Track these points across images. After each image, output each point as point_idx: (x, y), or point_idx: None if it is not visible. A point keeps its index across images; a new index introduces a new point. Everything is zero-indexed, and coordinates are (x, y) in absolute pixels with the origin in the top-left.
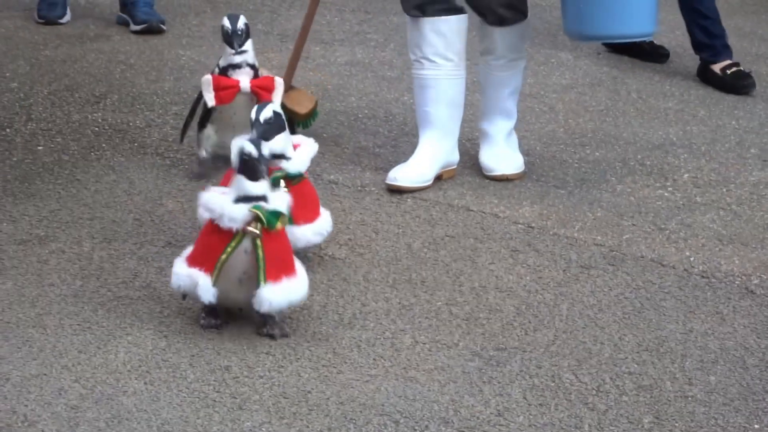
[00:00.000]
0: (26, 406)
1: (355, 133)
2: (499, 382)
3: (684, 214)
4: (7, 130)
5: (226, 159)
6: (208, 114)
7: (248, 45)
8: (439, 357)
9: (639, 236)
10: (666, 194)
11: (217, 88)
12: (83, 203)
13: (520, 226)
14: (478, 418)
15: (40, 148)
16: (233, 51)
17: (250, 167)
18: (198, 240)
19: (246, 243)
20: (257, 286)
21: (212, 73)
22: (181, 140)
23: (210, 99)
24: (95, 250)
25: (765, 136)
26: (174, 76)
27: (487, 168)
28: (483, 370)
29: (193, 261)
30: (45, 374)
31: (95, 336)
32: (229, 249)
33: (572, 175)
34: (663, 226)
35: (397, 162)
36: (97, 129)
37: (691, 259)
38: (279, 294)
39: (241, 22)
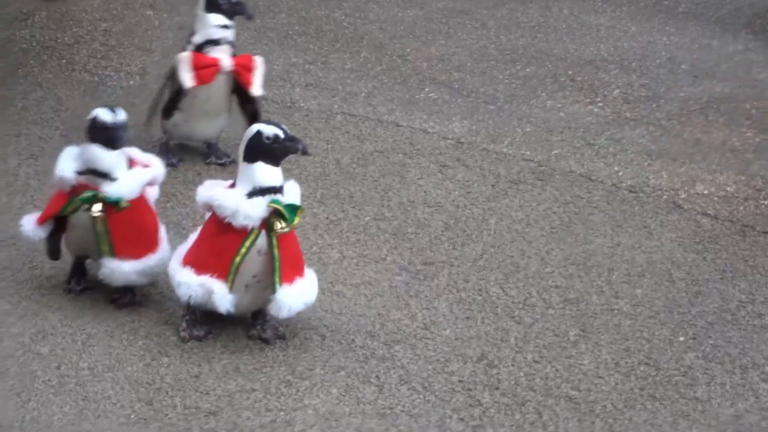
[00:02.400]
0: None
1: (285, 50)
2: (426, 296)
3: (613, 130)
4: None
5: (192, 149)
6: (177, 98)
7: (232, 22)
8: (366, 271)
9: (568, 151)
10: (596, 110)
11: (195, 67)
12: (10, 120)
13: (449, 141)
14: (404, 331)
15: None
16: (219, 24)
17: (279, 150)
18: (200, 242)
19: (260, 243)
20: (273, 290)
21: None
22: (149, 123)
23: (188, 79)
24: (21, 167)
25: (696, 52)
26: None
27: None
28: (410, 284)
29: (200, 267)
30: None
31: (20, 252)
32: (243, 250)
33: (502, 91)
34: (592, 141)
35: (327, 79)
36: (24, 46)
37: (620, 173)
38: (296, 296)
39: None
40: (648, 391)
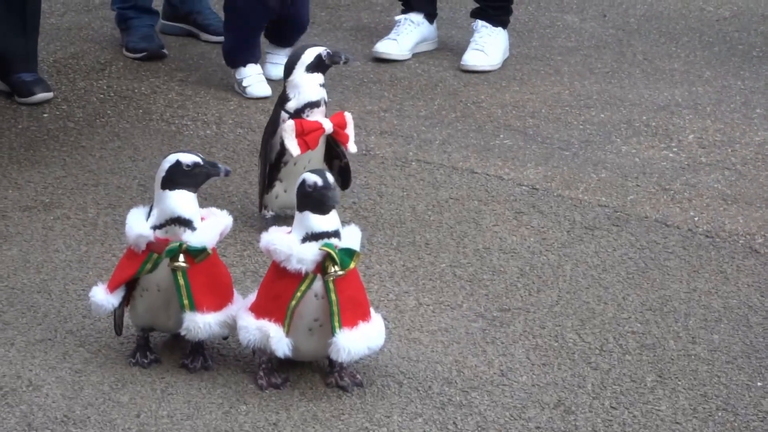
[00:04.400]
0: (31, 370)
1: (360, 98)
2: (502, 343)
3: (688, 175)
4: (14, 97)
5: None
6: (276, 170)
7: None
8: (443, 318)
9: (643, 197)
10: (671, 155)
11: (301, 133)
12: (88, 170)
13: (524, 187)
14: (481, 378)
15: (45, 115)
16: (321, 83)
17: (316, 200)
18: (262, 287)
19: (317, 286)
20: (332, 333)
21: (276, 122)
22: (261, 210)
23: (294, 147)
24: (100, 216)
25: None
26: (179, 42)
27: None
28: (486, 331)
29: (259, 311)
30: (50, 339)
31: None
32: (298, 294)
33: (577, 137)
34: (667, 187)
35: (402, 126)
36: (102, 96)
37: (695, 219)
38: (357, 340)
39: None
40: None
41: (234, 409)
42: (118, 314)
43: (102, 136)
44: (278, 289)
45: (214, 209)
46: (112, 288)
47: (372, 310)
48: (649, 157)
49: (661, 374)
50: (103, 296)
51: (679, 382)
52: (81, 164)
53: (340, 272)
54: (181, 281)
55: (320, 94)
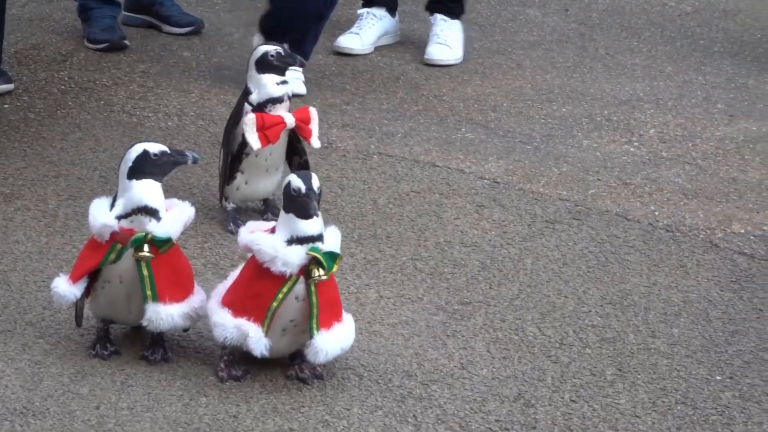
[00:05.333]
0: None
1: (322, 90)
2: (462, 336)
3: (649, 169)
4: None
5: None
6: (237, 162)
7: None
8: (404, 311)
9: (604, 191)
10: (632, 149)
11: (262, 127)
12: (49, 161)
13: (485, 181)
14: (441, 371)
15: (6, 106)
16: (278, 81)
17: (300, 204)
18: (239, 284)
19: (298, 289)
20: (310, 335)
21: (240, 114)
22: (221, 201)
23: (255, 141)
24: (60, 208)
25: (731, 92)
26: (141, 34)
27: None
28: (447, 324)
29: (236, 309)
30: (9, 330)
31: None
32: (280, 296)
33: (538, 131)
34: (628, 181)
35: (363, 119)
36: (63, 87)
37: (656, 213)
38: (333, 342)
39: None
40: (685, 430)
41: (194, 401)
42: (79, 306)
43: (63, 128)
44: (258, 289)
45: (175, 200)
46: (74, 279)
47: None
48: (610, 152)
49: (621, 368)
50: (66, 287)
51: (639, 376)
52: (42, 155)
53: (324, 276)
54: (145, 272)
55: (282, 90)
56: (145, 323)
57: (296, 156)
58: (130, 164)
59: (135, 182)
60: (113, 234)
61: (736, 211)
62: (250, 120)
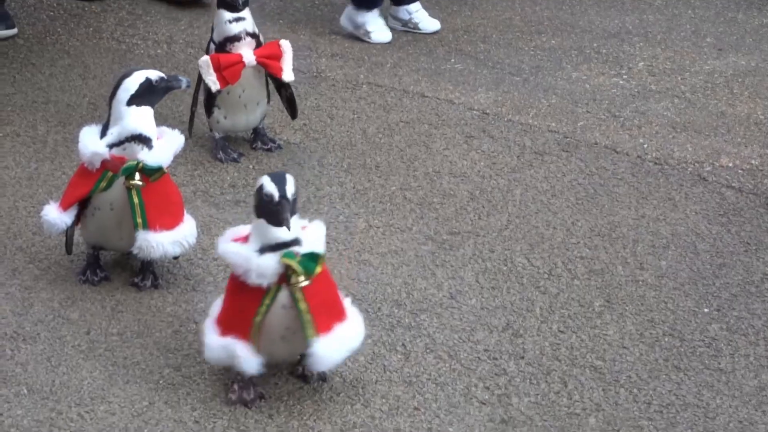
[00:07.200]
0: None
1: (311, 20)
2: (451, 266)
3: (638, 102)
4: None
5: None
6: (212, 97)
7: (246, 11)
8: (393, 241)
9: (593, 123)
10: (621, 82)
11: (219, 68)
12: (38, 87)
13: (475, 112)
14: (430, 300)
15: None
16: (230, 18)
17: (271, 211)
18: (225, 299)
19: (282, 297)
20: (306, 343)
21: (208, 52)
22: (190, 134)
23: (213, 83)
24: (50, 134)
25: (720, 26)
26: None
27: None
28: (436, 254)
29: (224, 326)
30: None
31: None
32: (263, 308)
33: (527, 63)
34: (617, 114)
35: (352, 49)
36: (52, 13)
37: (645, 146)
38: (336, 346)
39: None
40: (672, 361)
41: (184, 327)
42: (69, 233)
43: (52, 54)
44: (241, 303)
45: (165, 128)
46: (65, 206)
47: (348, 302)
48: (599, 84)
49: (609, 299)
50: (56, 215)
51: (627, 308)
52: (30, 81)
53: (305, 282)
54: (136, 200)
55: (238, 27)
56: (135, 251)
57: (283, 89)
58: (132, 92)
59: (132, 109)
60: (104, 162)
61: (724, 145)
62: (204, 62)
